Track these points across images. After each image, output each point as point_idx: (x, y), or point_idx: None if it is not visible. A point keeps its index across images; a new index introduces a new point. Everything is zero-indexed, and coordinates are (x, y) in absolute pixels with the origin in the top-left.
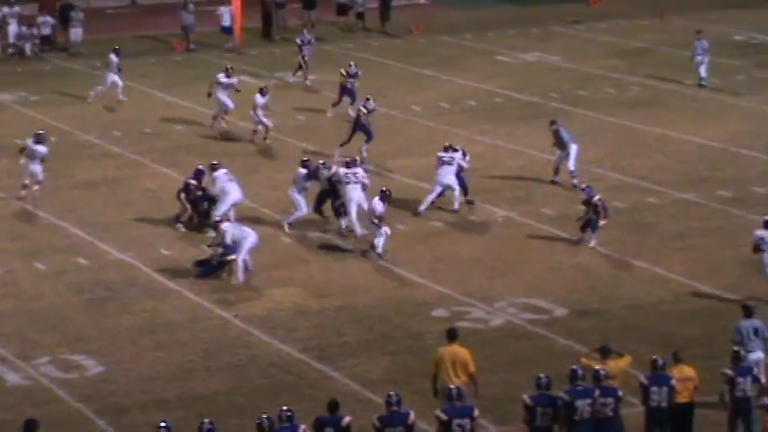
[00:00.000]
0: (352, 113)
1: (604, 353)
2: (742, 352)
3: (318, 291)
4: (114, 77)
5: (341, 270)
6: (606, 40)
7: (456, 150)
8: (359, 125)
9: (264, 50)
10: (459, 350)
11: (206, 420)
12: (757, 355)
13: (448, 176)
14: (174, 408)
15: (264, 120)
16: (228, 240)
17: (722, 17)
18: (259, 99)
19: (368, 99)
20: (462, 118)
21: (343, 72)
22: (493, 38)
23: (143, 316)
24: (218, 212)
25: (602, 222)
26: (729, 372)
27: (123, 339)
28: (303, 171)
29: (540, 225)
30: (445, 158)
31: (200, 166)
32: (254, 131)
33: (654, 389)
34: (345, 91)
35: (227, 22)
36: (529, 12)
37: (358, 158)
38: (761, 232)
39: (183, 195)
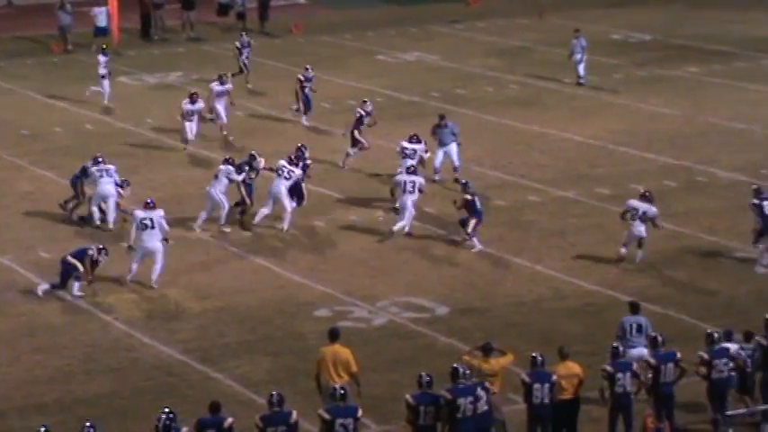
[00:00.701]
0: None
1: (486, 351)
2: (621, 348)
3: (200, 292)
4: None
5: (222, 271)
6: (485, 39)
7: (420, 142)
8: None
9: (143, 51)
10: (340, 350)
11: (87, 424)
12: (639, 350)
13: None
14: (53, 412)
15: (220, 112)
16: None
17: (600, 16)
18: (217, 87)
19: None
20: (343, 118)
21: (301, 77)
22: (373, 37)
23: (21, 320)
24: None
25: (471, 222)
26: (609, 368)
27: (0, 343)
28: (230, 168)
29: (421, 224)
30: (407, 151)
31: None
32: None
33: (536, 386)
34: (303, 97)
35: (102, 22)
36: (408, 11)
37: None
38: (634, 202)
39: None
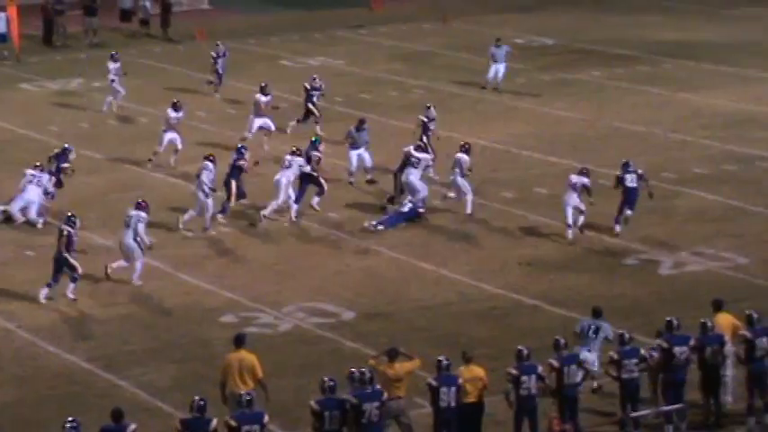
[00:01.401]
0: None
1: (392, 355)
2: (525, 351)
3: (104, 299)
4: (116, 87)
5: (127, 278)
6: (389, 43)
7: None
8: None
9: (45, 57)
10: (246, 356)
11: (70, 419)
12: (584, 354)
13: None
14: None
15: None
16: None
17: (503, 21)
18: (262, 98)
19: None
20: (246, 122)
21: (307, 86)
22: (277, 42)
23: None
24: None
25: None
26: (514, 371)
27: None
28: (210, 164)
29: (328, 229)
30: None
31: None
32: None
33: (443, 389)
34: (309, 107)
35: (1, 29)
36: (312, 17)
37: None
38: (575, 178)
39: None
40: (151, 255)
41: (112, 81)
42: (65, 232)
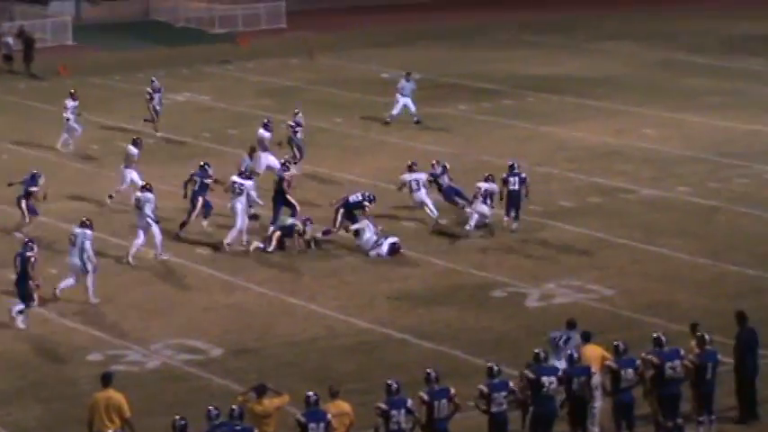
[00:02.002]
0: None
1: (260, 391)
2: (394, 385)
3: None
4: (73, 125)
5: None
6: (256, 79)
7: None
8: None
9: None
10: (113, 395)
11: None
12: (556, 364)
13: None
14: None
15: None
16: None
17: (369, 56)
18: (265, 134)
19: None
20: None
21: (291, 123)
22: (143, 78)
23: None
24: None
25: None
26: (383, 405)
27: None
28: (150, 194)
29: (195, 265)
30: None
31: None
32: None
33: (312, 425)
34: (294, 143)
35: None
36: (178, 52)
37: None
38: (483, 184)
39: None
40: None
41: (68, 120)
42: (32, 259)
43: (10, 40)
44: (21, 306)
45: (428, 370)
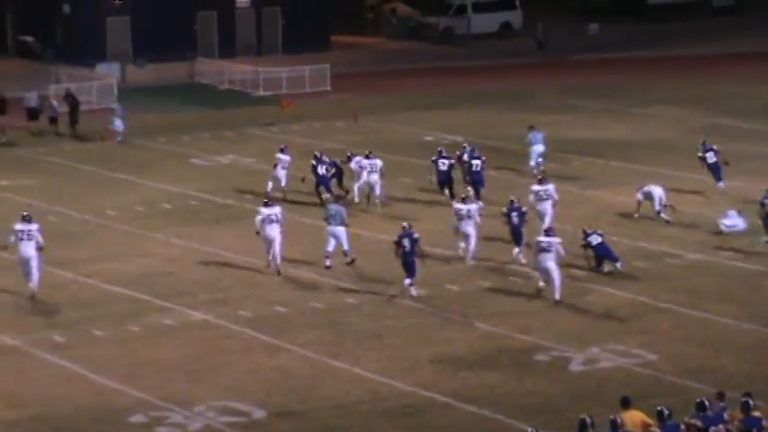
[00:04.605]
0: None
1: None
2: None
3: (12, 400)
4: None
5: (35, 378)
6: (300, 141)
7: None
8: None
9: None
10: None
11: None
12: None
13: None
14: None
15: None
16: None
17: (413, 118)
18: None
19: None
20: (158, 222)
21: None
22: (187, 141)
23: None
24: None
25: None
26: None
27: None
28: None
29: (238, 327)
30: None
31: None
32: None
33: None
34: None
35: None
36: (223, 115)
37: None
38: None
39: None
40: (60, 355)
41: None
42: None
43: (54, 102)
44: None
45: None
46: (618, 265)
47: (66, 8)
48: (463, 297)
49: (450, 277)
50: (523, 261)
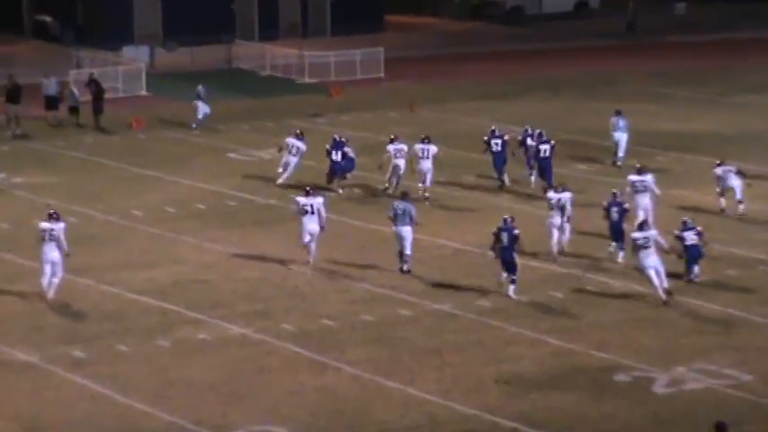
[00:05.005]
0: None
1: None
2: None
3: (28, 422)
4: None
5: (53, 398)
6: (351, 134)
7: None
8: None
9: None
10: None
11: None
12: None
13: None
14: None
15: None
16: None
17: (477, 108)
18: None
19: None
20: (190, 224)
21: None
22: (224, 133)
23: None
24: None
25: None
26: None
27: None
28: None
29: (280, 343)
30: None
31: None
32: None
33: None
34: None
35: None
36: (264, 104)
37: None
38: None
39: None
40: (81, 374)
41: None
42: None
43: (76, 90)
44: None
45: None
46: (693, 275)
47: None
48: (533, 308)
49: (519, 286)
50: (620, 260)
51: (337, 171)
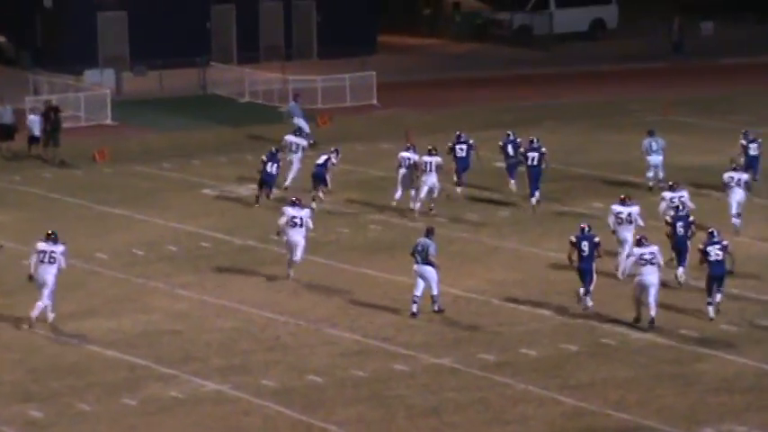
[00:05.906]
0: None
1: None
2: None
3: None
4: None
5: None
6: (338, 168)
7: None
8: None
9: None
10: None
11: None
12: None
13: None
14: None
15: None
16: None
17: (480, 139)
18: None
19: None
20: (160, 268)
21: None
22: (198, 166)
23: None
24: None
25: None
26: None
27: None
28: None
29: (260, 401)
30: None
31: None
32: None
33: None
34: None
35: None
36: (242, 134)
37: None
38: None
39: None
40: None
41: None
42: None
43: (34, 117)
44: None
45: None
46: (711, 308)
47: (48, 1)
48: (543, 363)
49: (527, 338)
50: (681, 280)
51: (268, 182)
